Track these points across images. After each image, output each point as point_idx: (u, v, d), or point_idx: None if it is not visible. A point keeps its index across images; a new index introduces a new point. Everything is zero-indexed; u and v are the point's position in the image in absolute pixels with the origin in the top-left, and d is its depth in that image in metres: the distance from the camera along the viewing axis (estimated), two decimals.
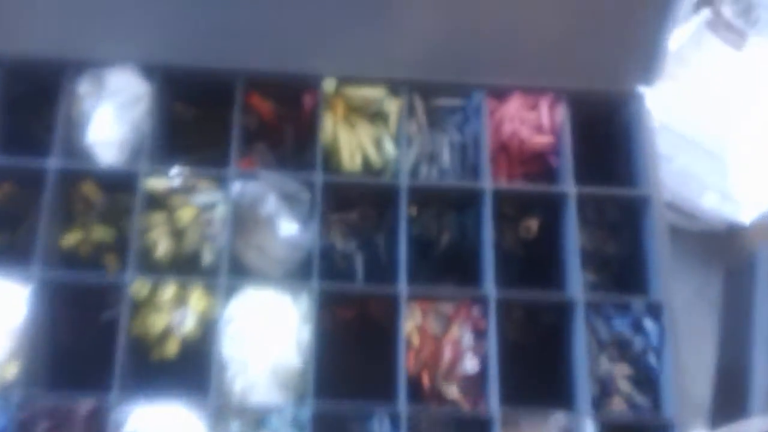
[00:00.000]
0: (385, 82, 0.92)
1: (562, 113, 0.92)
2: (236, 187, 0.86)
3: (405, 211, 0.87)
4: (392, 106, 0.92)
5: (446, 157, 0.92)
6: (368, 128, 0.93)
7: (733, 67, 1.31)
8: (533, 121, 0.93)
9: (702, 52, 1.31)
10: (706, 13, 1.30)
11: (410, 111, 0.92)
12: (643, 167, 0.91)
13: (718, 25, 1.34)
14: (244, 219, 0.87)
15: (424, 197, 0.90)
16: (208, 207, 0.87)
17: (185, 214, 0.86)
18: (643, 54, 0.91)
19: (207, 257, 0.87)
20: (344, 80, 0.91)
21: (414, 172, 0.91)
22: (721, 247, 1.32)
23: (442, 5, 0.87)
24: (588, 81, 0.92)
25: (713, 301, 1.31)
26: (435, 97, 0.94)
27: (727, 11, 1.35)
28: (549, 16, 0.88)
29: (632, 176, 0.92)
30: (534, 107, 0.93)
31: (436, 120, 0.94)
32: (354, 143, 0.92)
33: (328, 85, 0.91)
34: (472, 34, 0.89)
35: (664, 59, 0.92)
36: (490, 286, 0.85)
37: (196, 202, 0.87)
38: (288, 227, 0.86)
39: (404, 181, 0.88)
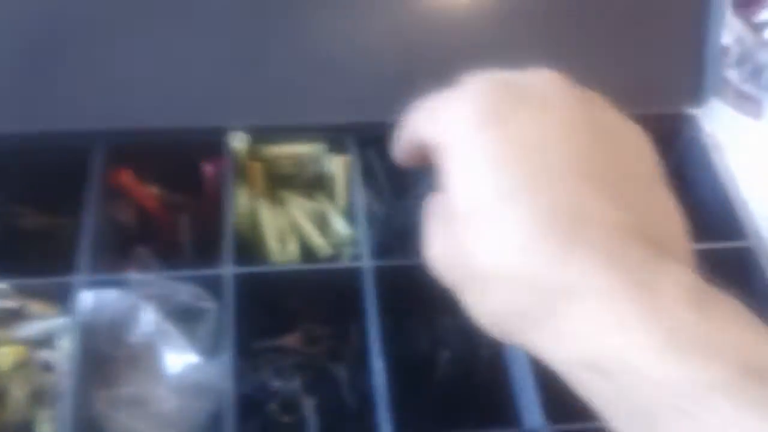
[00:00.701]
0: (322, 132, 0.61)
1: None
2: (87, 300, 0.51)
3: (376, 314, 0.53)
4: (337, 167, 0.61)
5: None
6: (304, 202, 0.61)
7: (755, 139, 1.05)
8: None
9: (715, 125, 1.06)
10: None
11: (365, 170, 0.61)
12: (725, 208, 0.60)
13: (727, 92, 1.10)
14: (104, 355, 0.51)
15: (404, 292, 0.56)
16: (44, 341, 0.52)
17: (4, 358, 0.51)
18: (685, 64, 0.64)
19: (44, 429, 0.50)
20: (261, 134, 0.60)
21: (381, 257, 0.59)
22: None
23: (397, 9, 0.60)
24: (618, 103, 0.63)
25: None
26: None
27: (734, 76, 1.12)
28: (555, 21, 0.62)
29: (712, 229, 0.61)
30: None
31: (402, 180, 0.63)
32: (284, 225, 0.59)
33: (238, 142, 0.59)
34: (442, 51, 0.60)
35: (718, 69, 0.66)
36: (534, 421, 0.49)
37: (22, 336, 0.51)
38: (180, 360, 0.51)
39: (369, 264, 0.54)
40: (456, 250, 0.29)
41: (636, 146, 0.31)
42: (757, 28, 1.04)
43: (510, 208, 0.27)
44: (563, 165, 0.28)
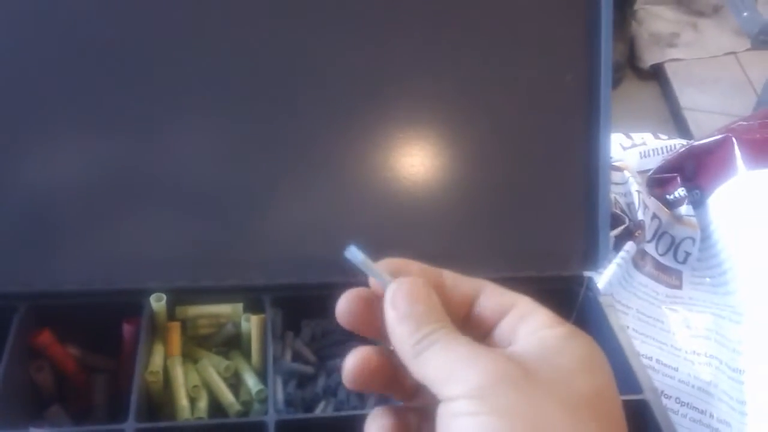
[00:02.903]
0: (239, 293, 0.65)
1: None
2: None
3: None
4: (253, 327, 0.63)
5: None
6: (219, 360, 0.63)
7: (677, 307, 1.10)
8: None
9: (636, 294, 1.10)
10: (630, 246, 1.12)
11: (280, 329, 0.64)
12: (622, 366, 0.63)
13: (646, 263, 1.16)
14: None
15: None
16: None
17: None
18: (581, 233, 0.69)
19: None
20: (178, 295, 0.64)
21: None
22: None
23: (312, 182, 0.65)
24: (516, 268, 0.68)
25: None
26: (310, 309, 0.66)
27: (652, 249, 1.19)
28: (456, 191, 0.68)
29: None
30: None
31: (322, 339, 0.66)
32: (195, 383, 0.61)
33: (156, 303, 0.62)
34: (354, 219, 0.66)
35: (608, 238, 0.71)
36: None
37: None
38: None
39: (272, 418, 0.56)
40: None
41: None
42: (671, 205, 1.12)
43: None
44: None
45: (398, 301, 0.35)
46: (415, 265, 0.38)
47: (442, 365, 0.33)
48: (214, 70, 0.64)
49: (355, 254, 0.36)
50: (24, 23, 0.62)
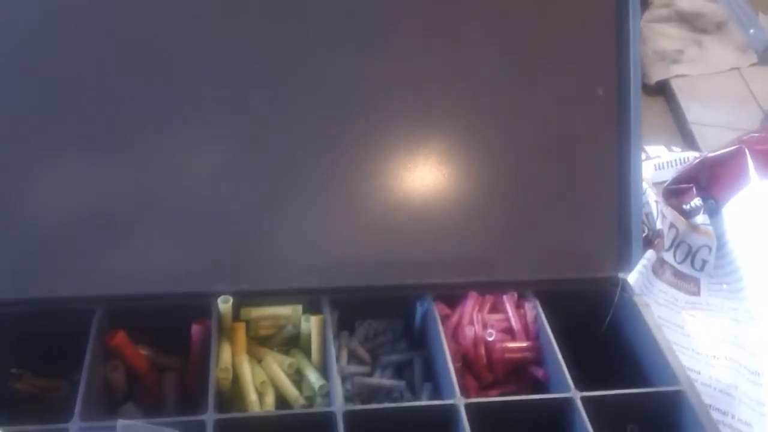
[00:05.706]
0: (299, 295, 0.69)
1: (533, 312, 0.70)
2: None
3: None
4: (313, 327, 0.68)
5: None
6: (282, 358, 0.67)
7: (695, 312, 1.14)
8: (500, 325, 0.70)
9: (657, 301, 1.14)
10: (650, 254, 1.17)
11: (336, 329, 0.68)
12: (659, 360, 0.67)
13: (665, 270, 1.20)
14: None
15: None
16: None
17: None
18: (612, 233, 0.74)
19: None
20: (244, 297, 0.68)
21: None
22: None
23: (364, 191, 0.70)
24: (555, 271, 0.73)
25: None
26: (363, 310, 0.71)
27: (670, 258, 1.23)
28: (498, 198, 0.72)
29: (646, 376, 0.68)
30: (498, 308, 0.71)
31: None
32: (262, 379, 0.65)
33: (223, 305, 0.67)
34: (403, 225, 0.70)
35: (640, 240, 0.76)
36: None
37: None
38: None
39: (340, 409, 0.60)
40: None
41: None
42: (687, 214, 1.16)
43: None
44: None
45: None
46: None
47: None
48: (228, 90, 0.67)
49: None
50: (26, 51, 0.65)
